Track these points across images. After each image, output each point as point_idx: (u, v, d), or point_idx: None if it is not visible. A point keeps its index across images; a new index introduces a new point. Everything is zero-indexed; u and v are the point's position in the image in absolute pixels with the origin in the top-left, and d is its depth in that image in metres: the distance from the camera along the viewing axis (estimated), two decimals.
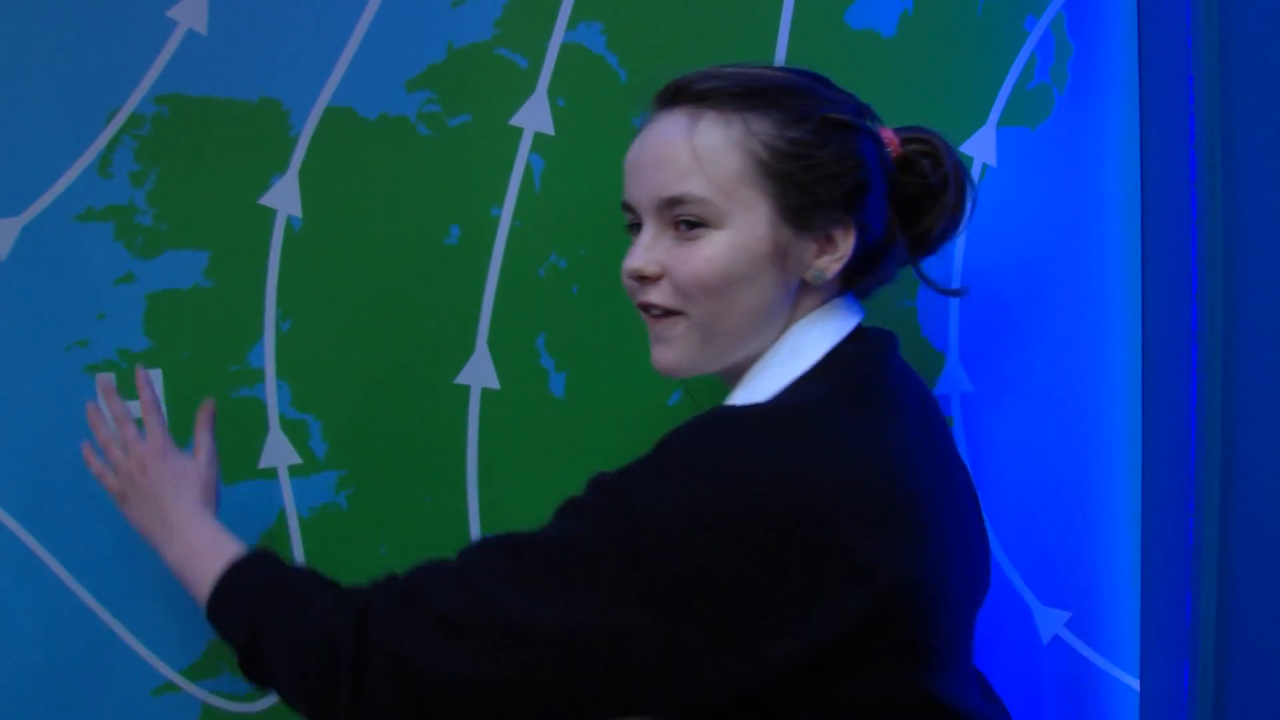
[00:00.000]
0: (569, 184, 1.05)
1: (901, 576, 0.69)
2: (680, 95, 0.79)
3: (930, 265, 0.89)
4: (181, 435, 1.01)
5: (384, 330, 1.04)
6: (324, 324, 1.04)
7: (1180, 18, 1.01)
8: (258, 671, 0.80)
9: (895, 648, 0.71)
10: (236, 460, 1.04)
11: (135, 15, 0.99)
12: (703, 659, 0.67)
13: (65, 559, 1.02)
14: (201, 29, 1.00)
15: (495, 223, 1.05)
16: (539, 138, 1.05)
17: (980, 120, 1.07)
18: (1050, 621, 1.12)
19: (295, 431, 1.05)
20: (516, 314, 1.06)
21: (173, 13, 1.00)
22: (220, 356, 1.03)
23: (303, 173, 1.03)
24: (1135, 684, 1.11)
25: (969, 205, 0.86)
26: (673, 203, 0.77)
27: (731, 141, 0.76)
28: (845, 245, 0.79)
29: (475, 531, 1.07)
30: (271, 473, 1.04)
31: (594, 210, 1.05)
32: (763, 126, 0.76)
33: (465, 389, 1.06)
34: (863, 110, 0.82)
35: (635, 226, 0.82)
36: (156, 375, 1.02)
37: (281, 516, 1.05)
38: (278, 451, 1.04)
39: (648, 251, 0.79)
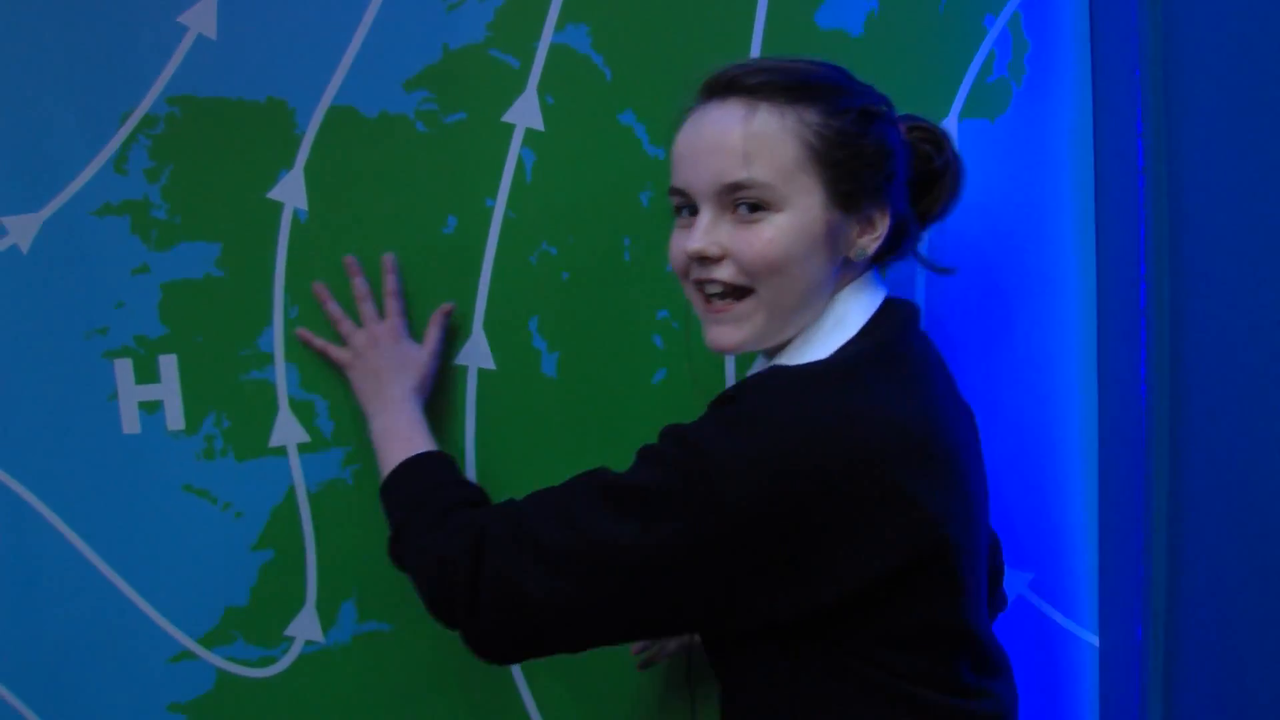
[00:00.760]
0: (559, 176, 1.07)
1: (944, 513, 0.76)
2: (733, 87, 0.81)
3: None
4: (196, 414, 1.05)
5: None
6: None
7: (1128, 17, 1.03)
8: (401, 563, 0.90)
9: (939, 580, 0.77)
10: (248, 439, 1.06)
11: (148, 21, 1.01)
12: (768, 587, 0.75)
13: (85, 533, 1.05)
14: (211, 34, 1.02)
15: (490, 213, 1.07)
16: (530, 133, 1.07)
17: (943, 113, 1.10)
18: (1014, 582, 1.15)
19: (303, 411, 1.07)
20: (510, 299, 1.08)
21: (184, 18, 1.02)
22: (232, 341, 1.06)
23: (308, 168, 1.05)
24: (1095, 640, 1.14)
25: (963, 187, 0.92)
26: (735, 188, 0.79)
27: (787, 130, 0.79)
28: (882, 225, 0.84)
29: None
30: (282, 450, 1.07)
31: (583, 201, 1.08)
32: (813, 117, 0.80)
33: (463, 369, 1.09)
34: (887, 102, 0.87)
35: (683, 210, 0.84)
36: (172, 360, 1.05)
37: (291, 491, 1.08)
38: (288, 430, 1.07)
39: (708, 234, 0.81)
